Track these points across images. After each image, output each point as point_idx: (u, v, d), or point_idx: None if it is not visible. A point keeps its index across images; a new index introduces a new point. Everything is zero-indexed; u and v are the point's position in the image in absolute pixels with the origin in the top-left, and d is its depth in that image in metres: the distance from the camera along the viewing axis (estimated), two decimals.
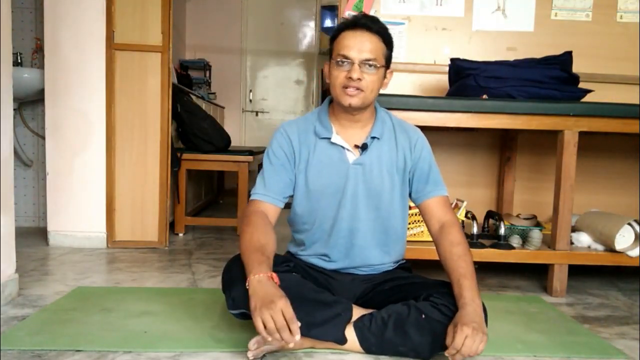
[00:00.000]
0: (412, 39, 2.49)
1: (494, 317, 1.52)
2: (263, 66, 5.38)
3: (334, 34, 1.43)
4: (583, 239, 2.13)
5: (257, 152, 3.32)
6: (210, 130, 3.15)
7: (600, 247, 2.10)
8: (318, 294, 1.34)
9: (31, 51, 2.99)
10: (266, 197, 1.45)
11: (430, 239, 1.50)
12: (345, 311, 1.33)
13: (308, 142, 1.48)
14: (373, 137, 1.47)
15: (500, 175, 2.56)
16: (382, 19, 1.45)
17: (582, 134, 1.98)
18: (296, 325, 1.14)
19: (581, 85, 2.11)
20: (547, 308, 1.86)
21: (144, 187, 2.64)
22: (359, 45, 1.37)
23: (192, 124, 3.10)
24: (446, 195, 1.51)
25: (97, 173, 2.60)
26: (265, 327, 1.14)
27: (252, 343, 1.27)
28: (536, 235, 2.04)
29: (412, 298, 1.35)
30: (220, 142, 3.18)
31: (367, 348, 1.33)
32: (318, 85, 5.35)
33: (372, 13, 2.38)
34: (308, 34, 5.37)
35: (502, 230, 2.06)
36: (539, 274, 2.26)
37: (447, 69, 2.26)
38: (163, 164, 2.64)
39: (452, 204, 1.77)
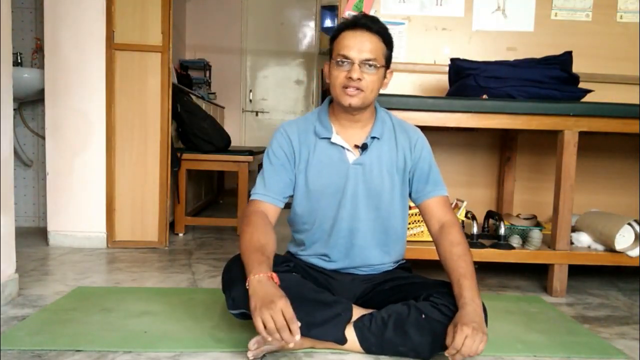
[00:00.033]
0: (412, 39, 2.49)
1: (494, 317, 1.52)
2: (263, 66, 5.38)
3: (334, 34, 1.43)
4: (583, 239, 2.13)
5: (257, 152, 3.32)
6: (210, 130, 3.15)
7: (600, 247, 2.10)
8: (318, 294, 1.34)
9: (31, 51, 2.99)
10: (266, 197, 1.45)
11: (430, 239, 1.50)
12: (345, 311, 1.33)
13: (308, 142, 1.48)
14: (373, 137, 1.47)
15: (500, 175, 2.56)
16: (382, 19, 1.45)
17: (582, 134, 1.98)
18: (296, 325, 1.14)
19: (581, 85, 2.11)
20: (547, 308, 1.86)
21: (144, 187, 2.64)
22: (359, 45, 1.37)
23: (192, 124, 3.10)
24: (446, 195, 1.51)
25: (97, 173, 2.60)
26: (265, 327, 1.14)
27: (252, 343, 1.27)
28: (536, 235, 2.04)
29: (412, 298, 1.35)
30: (220, 142, 3.18)
31: (367, 348, 1.33)
32: (318, 85, 5.35)
33: (372, 13, 2.38)
34: (308, 34, 5.37)
35: (502, 230, 2.06)
36: (539, 274, 2.26)
37: (447, 69, 2.26)
38: (163, 164, 2.64)
39: (452, 204, 1.77)
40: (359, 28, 1.38)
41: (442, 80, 2.39)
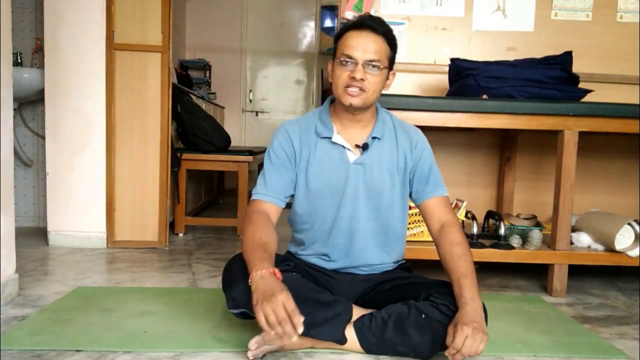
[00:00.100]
0: (412, 39, 2.49)
1: (494, 317, 1.52)
2: (263, 66, 5.38)
3: (339, 34, 1.43)
4: (583, 239, 2.13)
5: (257, 152, 3.32)
6: (210, 130, 3.16)
7: (600, 247, 2.10)
8: (318, 293, 1.34)
9: (31, 51, 2.99)
10: (267, 197, 1.45)
11: (430, 239, 1.51)
12: (345, 311, 1.33)
13: (309, 141, 1.48)
14: (374, 137, 1.47)
15: (500, 175, 2.56)
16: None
17: (582, 134, 1.98)
18: (298, 317, 1.14)
19: (581, 85, 2.11)
20: (547, 308, 1.86)
21: (144, 187, 2.64)
22: (364, 46, 1.37)
23: (192, 124, 3.10)
24: (446, 195, 1.51)
25: (97, 173, 2.60)
26: (267, 320, 1.14)
27: (252, 343, 1.27)
28: (536, 235, 2.04)
29: (412, 298, 1.35)
30: (220, 142, 3.18)
31: (367, 348, 1.33)
32: (318, 85, 5.35)
33: (372, 13, 2.38)
34: (308, 34, 5.37)
35: (502, 230, 2.06)
36: (539, 274, 2.26)
37: (447, 69, 2.26)
38: (163, 164, 2.64)
39: (452, 204, 1.77)
40: (365, 28, 1.38)
41: (442, 80, 2.39)
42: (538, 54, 2.19)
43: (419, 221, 2.03)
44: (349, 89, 1.38)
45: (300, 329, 1.14)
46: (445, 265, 1.39)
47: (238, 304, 1.29)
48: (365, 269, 1.52)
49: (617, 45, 2.49)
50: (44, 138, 2.80)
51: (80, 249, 2.58)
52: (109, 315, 1.60)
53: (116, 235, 2.64)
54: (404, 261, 1.62)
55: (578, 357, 1.41)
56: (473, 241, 2.03)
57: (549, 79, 2.05)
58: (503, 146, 2.54)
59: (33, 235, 2.84)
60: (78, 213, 2.62)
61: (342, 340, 1.31)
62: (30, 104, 3.03)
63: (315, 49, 5.36)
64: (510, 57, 2.29)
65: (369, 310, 1.37)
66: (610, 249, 2.05)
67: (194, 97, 3.67)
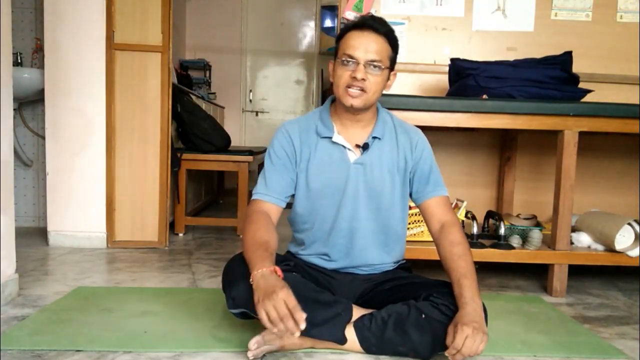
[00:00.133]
0: (412, 39, 2.49)
1: (494, 317, 1.52)
2: (263, 66, 5.38)
3: (341, 33, 1.43)
4: (583, 239, 2.13)
5: (257, 152, 3.32)
6: (210, 130, 3.15)
7: (600, 247, 2.10)
8: (318, 293, 1.34)
9: (31, 51, 2.99)
10: (267, 197, 1.45)
11: (430, 239, 1.51)
12: (345, 311, 1.33)
13: (309, 141, 1.48)
14: (374, 137, 1.47)
15: (500, 175, 2.56)
16: None
17: (582, 134, 1.98)
18: (300, 314, 1.14)
19: (581, 85, 2.11)
20: (547, 308, 1.86)
21: (144, 187, 2.64)
22: (365, 46, 1.37)
23: (192, 124, 3.10)
24: (446, 195, 1.51)
25: (97, 173, 2.60)
26: (269, 318, 1.14)
27: (252, 343, 1.27)
28: (536, 235, 2.04)
29: (412, 298, 1.35)
30: (220, 142, 3.18)
31: (367, 348, 1.33)
32: (318, 85, 5.35)
33: (372, 13, 2.38)
34: (308, 34, 5.37)
35: (502, 230, 2.06)
36: (539, 274, 2.26)
37: (447, 69, 2.26)
38: (163, 164, 2.64)
39: (452, 204, 1.77)
40: (366, 29, 1.38)
41: (442, 80, 2.39)
42: (538, 54, 2.19)
43: (419, 221, 2.03)
44: (349, 89, 1.38)
45: (303, 325, 1.14)
46: (446, 265, 1.39)
47: (238, 303, 1.30)
48: (365, 269, 1.52)
49: (617, 45, 2.49)
50: (44, 138, 2.80)
51: (80, 249, 2.58)
52: (109, 315, 1.60)
53: (116, 235, 2.64)
54: (404, 261, 1.62)
55: (578, 357, 1.41)
56: (473, 241, 2.03)
57: (549, 79, 2.05)
58: (503, 146, 2.54)
59: (33, 235, 2.84)
60: (78, 213, 2.62)
61: (342, 340, 1.31)
62: (30, 104, 3.03)
63: (315, 49, 5.36)
64: (510, 57, 2.29)
65: (369, 310, 1.37)
66: (610, 249, 2.05)
67: (194, 97, 3.67)
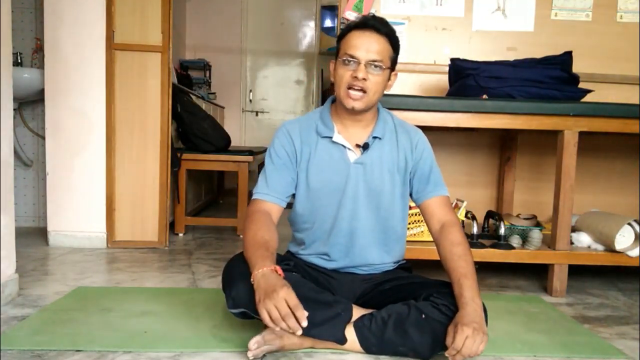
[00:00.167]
0: (412, 39, 2.49)
1: (494, 317, 1.52)
2: (263, 66, 5.38)
3: (342, 33, 1.44)
4: (583, 239, 2.13)
5: (257, 152, 3.32)
6: (210, 130, 3.15)
7: (600, 247, 2.10)
8: (318, 293, 1.34)
9: (31, 51, 2.99)
10: (268, 197, 1.45)
11: (430, 239, 1.51)
12: (345, 311, 1.33)
13: (310, 140, 1.48)
14: (375, 137, 1.47)
15: (500, 175, 2.56)
16: None
17: (582, 134, 1.98)
18: (301, 312, 1.14)
19: (581, 85, 2.11)
20: (547, 308, 1.86)
21: (144, 187, 2.64)
22: (367, 46, 1.37)
23: (192, 124, 3.10)
24: (447, 195, 1.51)
25: (97, 173, 2.60)
26: (270, 317, 1.14)
27: (252, 343, 1.27)
28: (536, 235, 2.04)
29: (412, 298, 1.35)
30: (220, 142, 3.18)
31: (367, 348, 1.33)
32: (318, 85, 5.35)
33: (372, 13, 2.38)
34: (308, 34, 5.37)
35: (502, 230, 2.06)
36: (539, 274, 2.26)
37: (447, 69, 2.26)
38: (163, 164, 2.64)
39: (452, 204, 1.77)
40: (368, 29, 1.39)
41: (442, 80, 2.39)
42: (538, 54, 2.19)
43: (419, 221, 2.03)
44: (351, 91, 1.38)
45: (304, 323, 1.14)
46: (446, 265, 1.39)
47: (238, 303, 1.30)
48: (365, 269, 1.52)
49: (617, 45, 2.49)
50: (44, 138, 2.80)
51: (80, 249, 2.58)
52: (109, 315, 1.60)
53: (116, 235, 2.64)
54: (404, 261, 1.62)
55: (578, 357, 1.41)
56: (473, 241, 2.03)
57: (549, 79, 2.05)
58: (503, 146, 2.54)
59: (33, 235, 2.84)
60: (78, 213, 2.62)
61: (342, 340, 1.31)
62: (30, 104, 3.03)
63: (315, 49, 5.36)
64: (510, 57, 2.29)
65: (369, 310, 1.37)
66: (610, 249, 2.05)
67: (194, 97, 3.67)
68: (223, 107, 5.03)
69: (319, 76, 5.32)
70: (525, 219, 2.28)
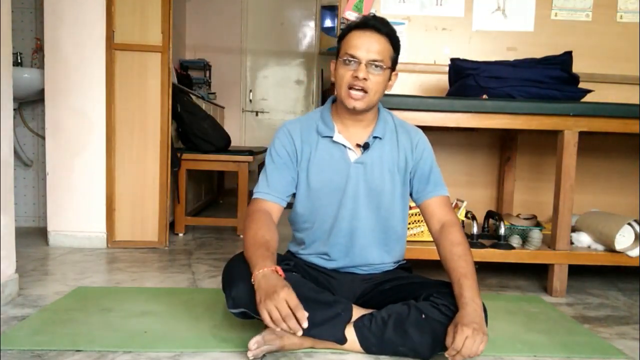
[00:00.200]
0: (412, 39, 2.49)
1: (494, 317, 1.52)
2: (263, 66, 5.38)
3: (343, 33, 1.44)
4: (583, 239, 2.13)
5: (257, 152, 3.32)
6: (210, 130, 3.15)
7: (600, 247, 2.10)
8: (318, 293, 1.34)
9: (31, 51, 2.99)
10: (269, 196, 1.45)
11: (431, 239, 1.51)
12: (345, 311, 1.33)
13: (310, 140, 1.48)
14: (375, 137, 1.47)
15: (500, 175, 2.56)
16: None
17: (582, 134, 1.98)
18: (302, 312, 1.15)
19: (581, 85, 2.11)
20: (547, 308, 1.86)
21: (144, 187, 2.64)
22: (367, 46, 1.37)
23: (192, 124, 3.10)
24: (447, 195, 1.51)
25: (97, 173, 2.60)
26: (271, 318, 1.14)
27: (252, 343, 1.27)
28: (536, 235, 2.04)
29: (412, 298, 1.35)
30: (220, 142, 3.18)
31: (367, 348, 1.33)
32: (318, 85, 5.35)
33: (372, 13, 2.38)
34: (308, 34, 5.37)
35: (502, 230, 2.06)
36: (539, 274, 2.26)
37: (447, 69, 2.26)
38: (163, 164, 2.64)
39: (452, 204, 1.77)
40: (369, 29, 1.39)
41: (442, 80, 2.39)
42: (538, 54, 2.19)
43: (419, 221, 2.03)
44: (351, 92, 1.38)
45: (305, 324, 1.15)
46: (446, 265, 1.39)
47: (238, 303, 1.30)
48: (365, 269, 1.52)
49: (617, 45, 2.49)
50: (44, 138, 2.80)
51: (80, 249, 2.58)
52: (109, 315, 1.60)
53: (116, 235, 2.64)
54: (405, 261, 1.62)
55: (578, 357, 1.41)
56: (473, 241, 2.03)
57: (548, 79, 2.05)
58: (503, 146, 2.54)
59: (33, 235, 2.84)
60: (78, 213, 2.62)
61: (342, 340, 1.31)
62: (30, 104, 3.03)
63: (315, 49, 5.36)
64: (510, 57, 2.29)
65: (369, 310, 1.37)
66: (610, 249, 2.05)
67: (194, 97, 3.67)
68: (223, 107, 5.03)
69: (319, 76, 5.32)
70: (525, 219, 2.28)
